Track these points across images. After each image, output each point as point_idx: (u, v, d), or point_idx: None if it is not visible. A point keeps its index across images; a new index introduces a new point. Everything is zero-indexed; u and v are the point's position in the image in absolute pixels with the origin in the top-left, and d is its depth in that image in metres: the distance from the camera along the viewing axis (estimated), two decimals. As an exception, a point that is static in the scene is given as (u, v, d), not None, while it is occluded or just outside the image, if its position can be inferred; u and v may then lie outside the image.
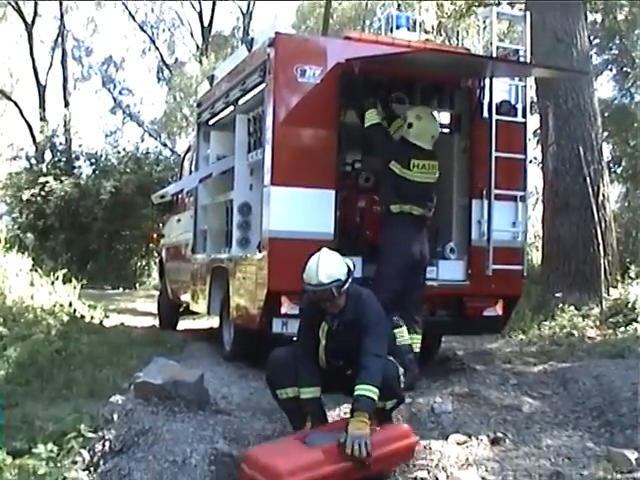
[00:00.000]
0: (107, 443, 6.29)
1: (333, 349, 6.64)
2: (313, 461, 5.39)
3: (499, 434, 6.87)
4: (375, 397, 6.09)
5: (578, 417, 7.74)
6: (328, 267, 6.45)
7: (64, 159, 34.93)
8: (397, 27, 9.89)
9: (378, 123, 8.81)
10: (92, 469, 5.99)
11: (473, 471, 5.80)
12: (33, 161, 35.41)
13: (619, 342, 11.07)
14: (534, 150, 21.05)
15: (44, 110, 40.77)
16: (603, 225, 14.51)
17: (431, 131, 8.81)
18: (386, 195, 8.73)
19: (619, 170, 27.34)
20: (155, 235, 17.97)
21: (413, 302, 8.71)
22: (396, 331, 8.22)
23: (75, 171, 34.15)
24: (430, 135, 8.77)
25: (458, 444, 6.66)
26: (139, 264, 33.89)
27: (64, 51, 43.10)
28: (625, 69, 25.94)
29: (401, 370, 6.70)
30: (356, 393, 6.10)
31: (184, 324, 16.17)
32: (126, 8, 46.93)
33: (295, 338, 7.10)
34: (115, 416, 6.71)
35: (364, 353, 6.31)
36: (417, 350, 8.69)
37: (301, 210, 8.61)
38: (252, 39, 10.04)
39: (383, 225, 8.77)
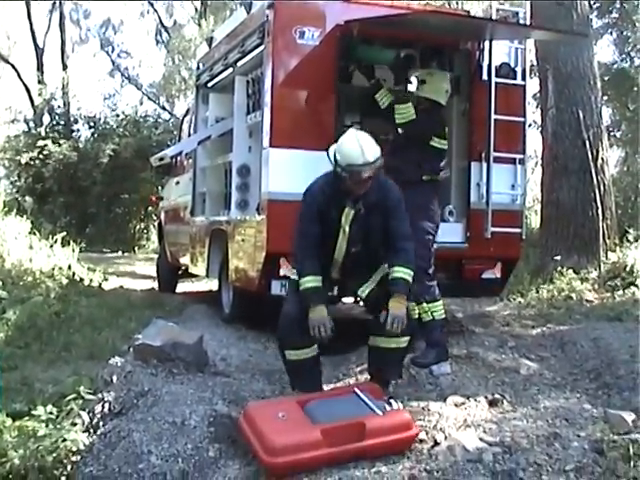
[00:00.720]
0: (106, 405, 6.32)
1: (356, 234, 6.66)
2: (310, 441, 5.37)
3: (497, 396, 6.88)
4: (410, 279, 6.45)
5: (576, 379, 7.78)
6: (370, 145, 6.48)
7: (62, 122, 35.00)
8: (397, -11, 9.86)
9: (413, 119, 8.61)
10: (92, 431, 6.01)
11: (471, 432, 5.81)
12: (31, 124, 35.52)
13: (617, 305, 11.11)
14: (534, 114, 21.04)
15: (42, 73, 40.69)
16: (602, 189, 14.53)
17: (445, 85, 8.65)
18: (417, 167, 8.35)
19: (618, 134, 27.36)
20: (154, 198, 17.96)
21: None
22: (436, 304, 8.21)
23: (73, 134, 34.24)
24: (444, 89, 8.57)
25: (456, 406, 6.67)
26: (138, 227, 33.96)
27: (62, 14, 42.96)
28: (625, 33, 25.86)
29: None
30: (393, 276, 6.45)
31: (183, 287, 16.22)
32: (124, -30, 46.70)
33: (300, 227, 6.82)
34: (114, 378, 6.75)
35: (397, 236, 6.60)
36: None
37: (300, 172, 8.54)
38: (251, 1, 9.97)
39: (410, 192, 8.44)
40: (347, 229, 6.63)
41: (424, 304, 8.04)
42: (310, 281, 6.53)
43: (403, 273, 6.41)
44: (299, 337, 6.62)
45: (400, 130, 8.55)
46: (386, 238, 6.66)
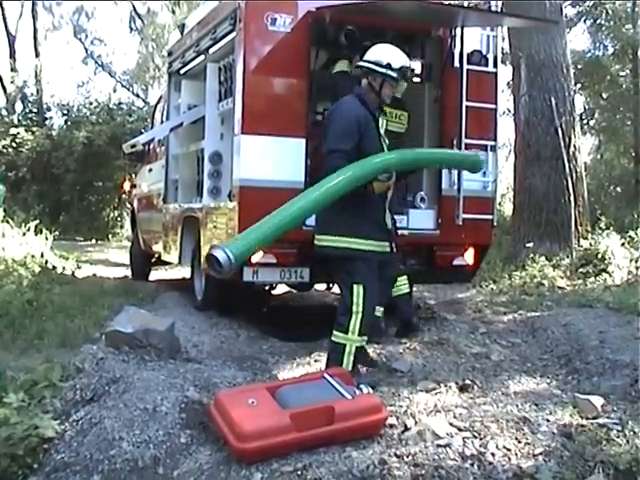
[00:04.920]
0: (78, 392, 6.31)
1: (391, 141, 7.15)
2: (280, 426, 5.38)
3: (468, 381, 6.94)
4: None
5: (546, 365, 7.85)
6: None
7: (35, 110, 34.91)
8: (369, -24, 9.83)
9: (346, 71, 8.77)
10: (63, 418, 5.99)
11: (441, 417, 5.84)
12: (4, 112, 35.25)
13: (588, 292, 11.18)
14: (507, 101, 21.11)
15: (14, 61, 40.36)
16: (574, 176, 14.64)
17: None
18: None
19: (592, 122, 27.49)
20: (127, 185, 17.90)
21: None
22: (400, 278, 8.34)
23: (47, 122, 34.16)
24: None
25: (427, 391, 6.73)
26: (112, 215, 33.79)
27: (34, 0, 42.56)
28: (599, 21, 25.95)
29: None
30: None
31: (156, 274, 16.18)
32: (97, -44, 46.37)
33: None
34: (86, 365, 6.73)
35: None
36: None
37: (271, 159, 8.59)
38: (223, -12, 9.96)
39: None
40: (385, 139, 7.04)
41: None
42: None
43: None
44: None
45: None
46: None
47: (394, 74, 6.87)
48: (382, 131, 6.98)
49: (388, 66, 6.85)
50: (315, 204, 6.49)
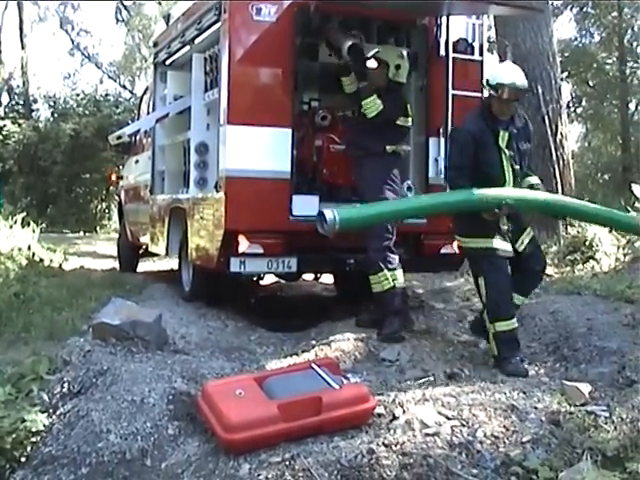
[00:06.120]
0: (65, 385, 6.30)
1: (514, 154, 7.36)
2: (267, 417, 5.38)
3: (456, 370, 6.96)
4: None
5: (534, 352, 7.85)
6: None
7: (22, 102, 34.90)
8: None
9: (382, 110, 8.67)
10: (51, 411, 5.99)
11: (430, 406, 5.83)
12: (-10, 104, 35.15)
13: (576, 279, 11.18)
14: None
15: (0, 53, 40.25)
16: (561, 164, 14.64)
17: (408, 65, 8.90)
18: (380, 140, 8.57)
19: (579, 110, 27.56)
20: (114, 177, 17.84)
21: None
22: (396, 272, 8.37)
23: (33, 114, 34.15)
24: (408, 70, 8.90)
25: (415, 380, 6.72)
26: (99, 207, 33.75)
27: (19, -8, 42.39)
28: (585, 9, 25.99)
29: None
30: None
31: (144, 266, 16.13)
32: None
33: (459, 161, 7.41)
34: (73, 358, 6.73)
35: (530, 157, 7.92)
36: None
37: (257, 149, 8.56)
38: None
39: (373, 163, 8.58)
40: (506, 151, 7.24)
41: (385, 271, 8.13)
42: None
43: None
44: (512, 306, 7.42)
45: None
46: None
47: (491, 90, 7.28)
48: (503, 145, 7.24)
49: (487, 82, 7.36)
50: (422, 210, 7.82)
